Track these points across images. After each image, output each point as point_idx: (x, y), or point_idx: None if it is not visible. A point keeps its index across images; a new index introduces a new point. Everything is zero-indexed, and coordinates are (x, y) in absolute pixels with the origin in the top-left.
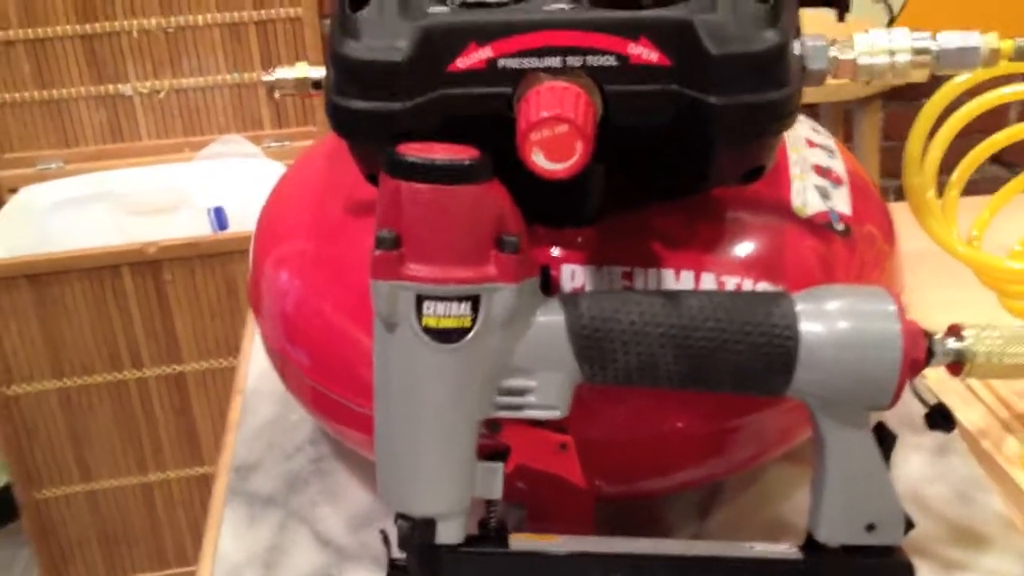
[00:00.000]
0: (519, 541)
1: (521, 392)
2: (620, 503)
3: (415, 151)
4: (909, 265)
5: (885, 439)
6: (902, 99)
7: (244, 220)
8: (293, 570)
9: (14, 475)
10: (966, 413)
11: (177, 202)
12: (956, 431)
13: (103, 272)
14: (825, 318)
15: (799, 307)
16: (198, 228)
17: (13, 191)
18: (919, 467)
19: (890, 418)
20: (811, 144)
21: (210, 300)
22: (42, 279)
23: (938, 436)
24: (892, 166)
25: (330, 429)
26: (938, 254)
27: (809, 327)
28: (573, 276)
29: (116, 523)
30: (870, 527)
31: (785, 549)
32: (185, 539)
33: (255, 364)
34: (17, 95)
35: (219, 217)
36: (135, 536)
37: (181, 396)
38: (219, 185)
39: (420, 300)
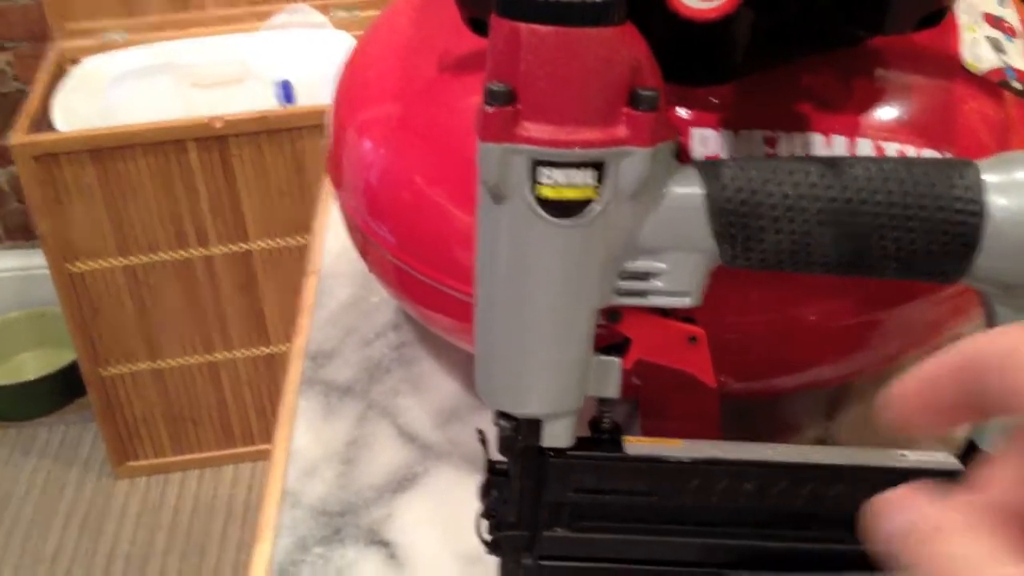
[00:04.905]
0: (635, 445)
1: (647, 276)
2: (740, 401)
3: None
4: None
5: None
6: None
7: (311, 93)
8: (375, 468)
9: (80, 351)
10: None
11: (242, 74)
12: None
13: (168, 147)
14: (1018, 190)
15: (986, 177)
16: (264, 102)
17: (75, 62)
18: None
19: None
20: None
21: (278, 177)
22: (106, 153)
23: None
24: None
25: (416, 313)
26: None
27: (998, 201)
28: (705, 142)
29: (182, 401)
30: None
31: (943, 458)
32: (251, 419)
33: (331, 243)
34: None
35: (286, 91)
36: (201, 415)
37: (247, 275)
38: (285, 57)
39: (536, 166)
